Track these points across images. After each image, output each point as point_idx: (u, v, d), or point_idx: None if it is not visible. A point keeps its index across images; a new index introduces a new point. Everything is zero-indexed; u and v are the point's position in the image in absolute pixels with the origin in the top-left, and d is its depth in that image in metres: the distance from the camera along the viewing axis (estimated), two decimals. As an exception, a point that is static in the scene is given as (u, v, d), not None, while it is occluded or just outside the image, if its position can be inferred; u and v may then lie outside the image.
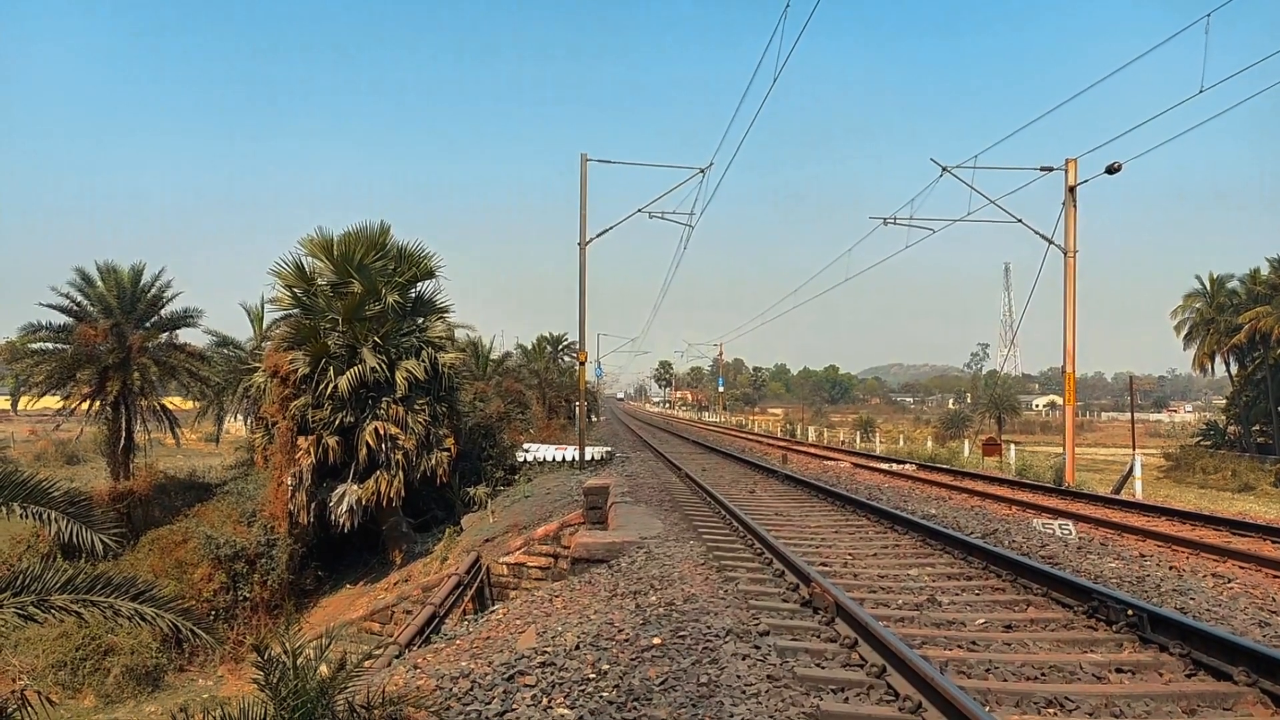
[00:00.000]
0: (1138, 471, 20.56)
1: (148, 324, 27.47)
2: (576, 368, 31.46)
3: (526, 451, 29.26)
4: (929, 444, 45.91)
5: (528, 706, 5.42)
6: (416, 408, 23.04)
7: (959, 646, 6.35)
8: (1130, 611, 6.55)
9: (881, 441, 47.96)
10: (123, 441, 26.72)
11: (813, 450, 34.36)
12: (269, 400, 22.90)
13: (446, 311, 25.96)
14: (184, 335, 28.56)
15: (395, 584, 20.50)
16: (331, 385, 21.82)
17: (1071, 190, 21.57)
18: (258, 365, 25.06)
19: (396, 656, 10.74)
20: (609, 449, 29.97)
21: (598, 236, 26.72)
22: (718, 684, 5.51)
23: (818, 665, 5.92)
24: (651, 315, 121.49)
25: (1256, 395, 56.49)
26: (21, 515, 6.07)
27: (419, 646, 11.49)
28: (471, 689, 5.94)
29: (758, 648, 6.24)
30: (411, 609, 16.56)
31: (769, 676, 5.60)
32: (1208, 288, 60.00)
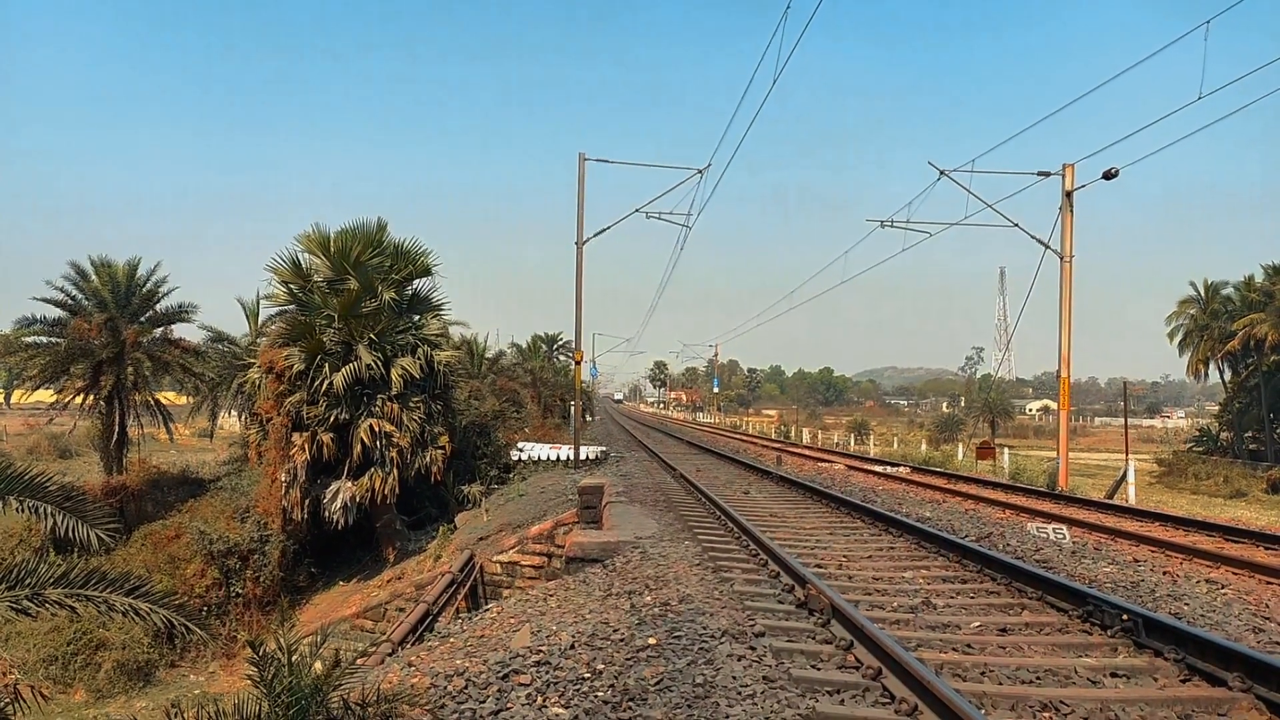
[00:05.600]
0: (1131, 477, 20.62)
1: (142, 319, 27.42)
2: (572, 367, 31.43)
3: (521, 450, 29.22)
4: (923, 447, 45.98)
5: (522, 705, 5.41)
6: (411, 405, 22.99)
7: (954, 650, 6.36)
8: (1125, 616, 6.56)
9: (875, 444, 48.04)
10: (116, 436, 26.66)
11: (807, 452, 34.39)
12: (264, 396, 22.83)
13: (442, 309, 25.93)
14: (179, 330, 28.55)
15: (388, 581, 20.46)
16: (327, 382, 21.76)
17: (1068, 195, 21.63)
18: (253, 361, 24.98)
19: (390, 654, 10.74)
20: (604, 449, 29.94)
21: (595, 236, 26.72)
22: (713, 684, 5.51)
23: (813, 667, 5.92)
24: (647, 315, 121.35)
25: (1249, 402, 56.62)
26: (18, 509, 6.05)
27: (412, 644, 11.47)
28: (466, 687, 5.93)
29: (753, 649, 6.24)
30: (405, 607, 16.54)
31: (765, 678, 5.60)
32: (1202, 294, 60.14)
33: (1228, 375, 59.90)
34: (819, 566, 9.44)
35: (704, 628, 6.82)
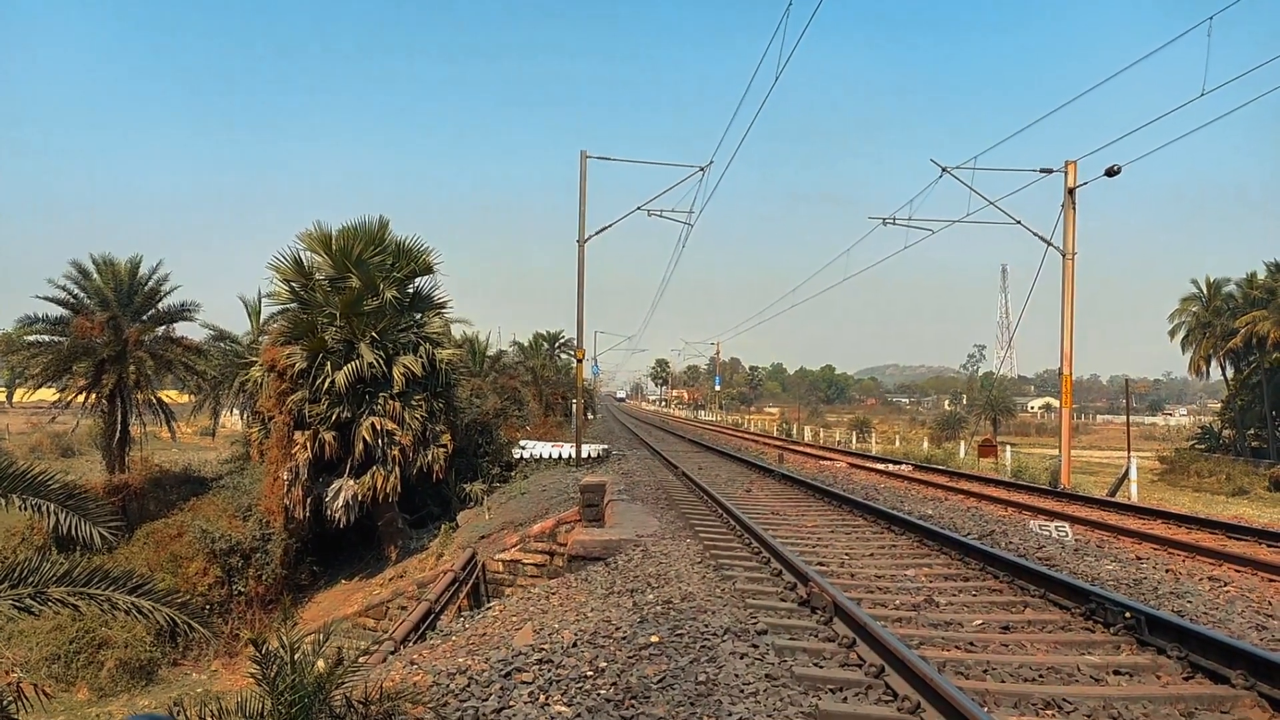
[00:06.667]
0: (1133, 474, 20.60)
1: (144, 317, 27.44)
2: (573, 365, 31.44)
3: (523, 448, 29.23)
4: (925, 445, 45.94)
5: (525, 703, 5.41)
6: (413, 404, 23.00)
7: (957, 647, 6.36)
8: (1128, 614, 6.56)
9: (877, 442, 48.01)
10: (118, 434, 26.69)
11: (809, 450, 34.37)
12: (266, 395, 22.85)
13: (444, 307, 25.92)
14: (181, 329, 28.56)
15: (390, 580, 20.48)
16: (329, 380, 21.77)
17: (1071, 192, 21.58)
18: (255, 359, 25.02)
19: (392, 652, 10.75)
20: (605, 447, 29.96)
21: (597, 234, 26.67)
22: (716, 682, 5.51)
23: (816, 665, 5.92)
24: (649, 313, 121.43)
25: (1251, 399, 56.61)
26: (21, 507, 6.06)
27: (415, 643, 11.48)
28: (468, 685, 5.93)
29: (756, 646, 6.24)
30: (406, 605, 16.54)
31: (767, 675, 5.60)
32: (1204, 291, 60.12)
33: (1230, 373, 59.88)
34: (821, 564, 9.43)
35: (706, 625, 6.82)
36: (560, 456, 28.19)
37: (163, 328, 27.86)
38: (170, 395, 31.38)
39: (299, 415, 22.08)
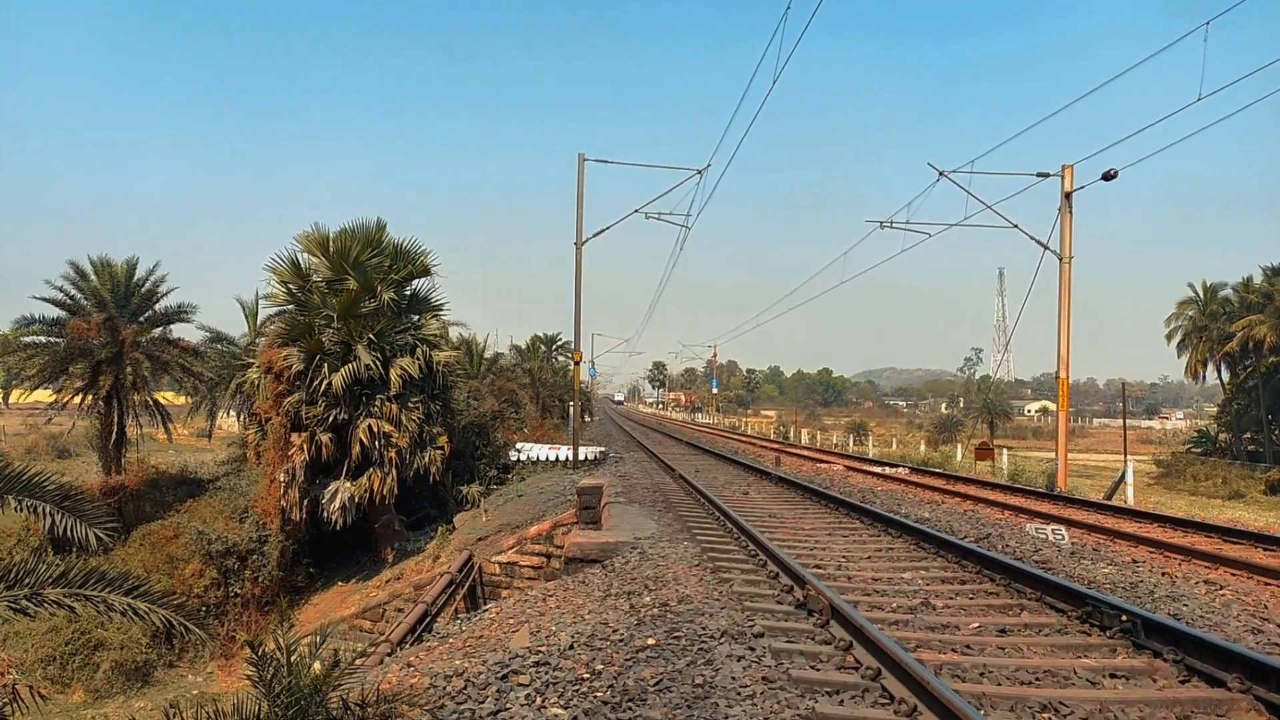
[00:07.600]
0: (1129, 478, 20.63)
1: (141, 319, 27.41)
2: (570, 367, 31.46)
3: (520, 451, 29.24)
4: (922, 448, 46.00)
5: (521, 706, 5.41)
6: (410, 405, 22.98)
7: (953, 650, 6.36)
8: (1124, 617, 6.56)
9: (874, 445, 48.07)
10: (114, 436, 26.65)
11: (806, 453, 34.38)
12: (263, 396, 22.82)
13: (441, 309, 25.92)
14: (178, 330, 28.53)
15: (387, 582, 20.47)
16: (326, 382, 21.75)
17: (1068, 197, 21.63)
18: (252, 361, 24.98)
19: (389, 655, 10.74)
20: (602, 449, 29.95)
21: (594, 236, 26.69)
22: (712, 685, 5.51)
23: (812, 667, 5.92)
24: (647, 315, 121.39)
25: (1248, 403, 56.76)
26: (16, 508, 6.05)
27: (411, 645, 11.48)
28: (465, 688, 5.93)
29: (752, 649, 6.24)
30: (403, 607, 16.54)
31: (764, 678, 5.60)
32: (1201, 295, 60.27)
33: (1226, 377, 60.05)
34: (818, 567, 9.43)
35: (703, 628, 6.82)
36: (557, 459, 28.19)
37: (159, 329, 27.84)
38: (167, 397, 31.33)
39: (296, 417, 22.06)
